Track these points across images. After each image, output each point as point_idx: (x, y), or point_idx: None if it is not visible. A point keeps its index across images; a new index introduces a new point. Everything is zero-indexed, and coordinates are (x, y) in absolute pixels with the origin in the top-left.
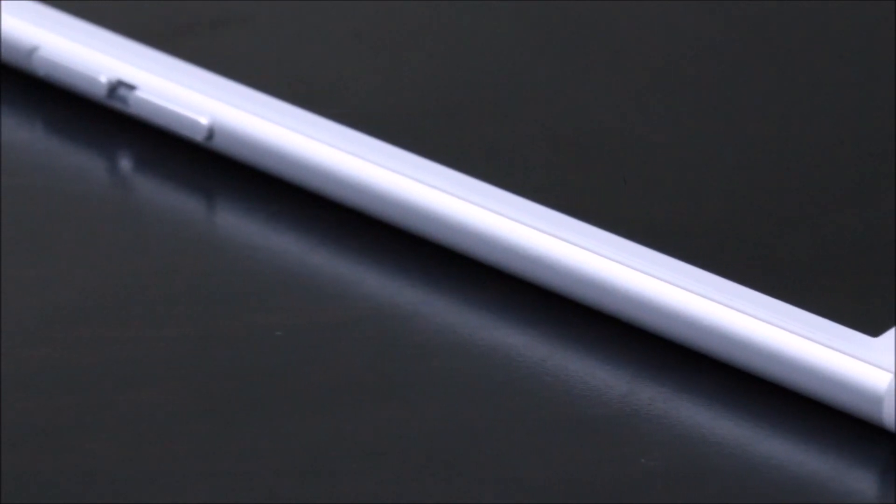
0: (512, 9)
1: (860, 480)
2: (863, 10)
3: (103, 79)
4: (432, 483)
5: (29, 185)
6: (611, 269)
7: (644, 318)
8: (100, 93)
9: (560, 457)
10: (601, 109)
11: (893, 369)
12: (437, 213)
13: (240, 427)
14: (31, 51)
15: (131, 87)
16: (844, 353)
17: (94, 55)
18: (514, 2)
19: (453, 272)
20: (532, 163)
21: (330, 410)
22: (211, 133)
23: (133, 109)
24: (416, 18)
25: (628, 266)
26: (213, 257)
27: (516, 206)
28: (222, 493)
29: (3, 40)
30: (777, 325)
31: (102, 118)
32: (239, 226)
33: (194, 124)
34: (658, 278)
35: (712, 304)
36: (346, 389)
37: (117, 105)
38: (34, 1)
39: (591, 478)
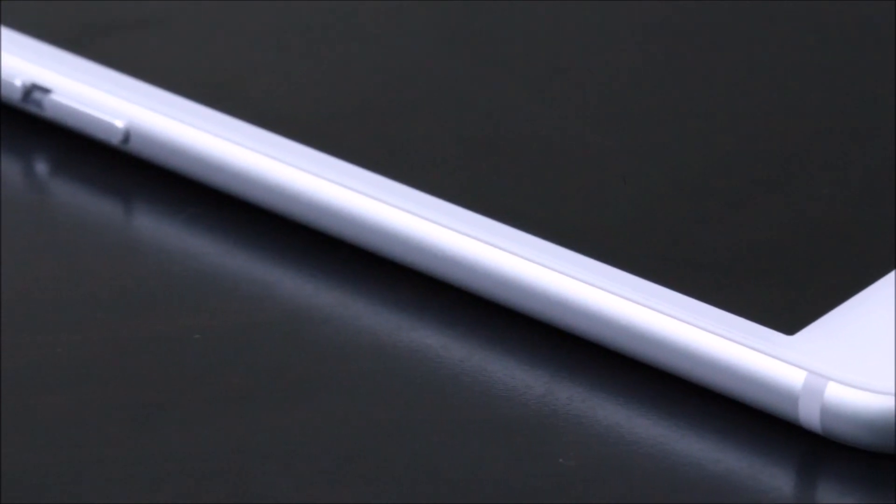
0: (423, 9)
1: (776, 478)
2: (776, 9)
3: (18, 82)
4: (350, 485)
5: None
6: (527, 270)
7: (561, 318)
8: (14, 96)
9: (479, 457)
10: (514, 110)
11: (809, 367)
12: (353, 213)
13: (158, 430)
14: None
15: (46, 91)
16: (760, 351)
17: (8, 59)
18: (426, 2)
19: (371, 274)
20: (445, 163)
21: (248, 413)
22: (127, 136)
23: (48, 113)
24: (329, 19)
25: (544, 266)
26: (131, 260)
27: (431, 206)
28: (137, 496)
29: None
30: (693, 324)
31: (18, 122)
32: (156, 229)
33: (110, 128)
34: (574, 278)
35: (628, 304)
36: (264, 391)
37: (32, 109)
38: None
39: (510, 478)
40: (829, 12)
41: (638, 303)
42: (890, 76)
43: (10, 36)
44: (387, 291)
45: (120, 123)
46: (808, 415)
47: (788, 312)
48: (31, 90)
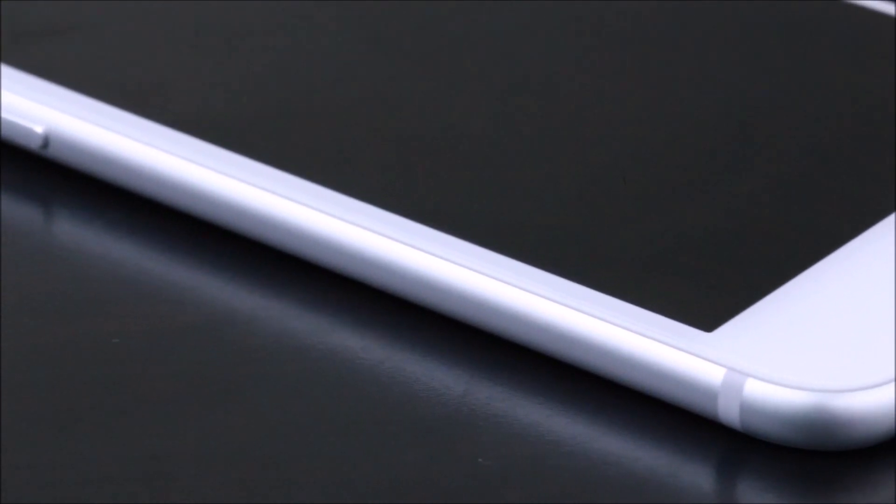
0: (346, 9)
1: (696, 475)
2: (693, 8)
3: None
4: (272, 487)
5: None
6: (446, 270)
7: (480, 317)
8: None
9: (399, 458)
10: (435, 111)
11: (728, 364)
12: (272, 216)
13: (77, 434)
14: None
15: None
16: (679, 348)
17: None
18: (349, 2)
19: (291, 276)
20: (365, 164)
21: (168, 416)
22: (46, 141)
23: None
24: (248, 21)
25: (463, 266)
26: (50, 265)
27: (351, 208)
28: (58, 501)
29: None
30: (612, 322)
31: None
32: (76, 234)
33: (29, 133)
34: (493, 278)
35: (547, 303)
36: (184, 395)
37: None
38: None
39: (430, 478)
40: (744, 11)
41: (557, 302)
42: (805, 77)
43: None
44: (307, 293)
45: (39, 129)
46: (728, 411)
47: (707, 309)
48: None
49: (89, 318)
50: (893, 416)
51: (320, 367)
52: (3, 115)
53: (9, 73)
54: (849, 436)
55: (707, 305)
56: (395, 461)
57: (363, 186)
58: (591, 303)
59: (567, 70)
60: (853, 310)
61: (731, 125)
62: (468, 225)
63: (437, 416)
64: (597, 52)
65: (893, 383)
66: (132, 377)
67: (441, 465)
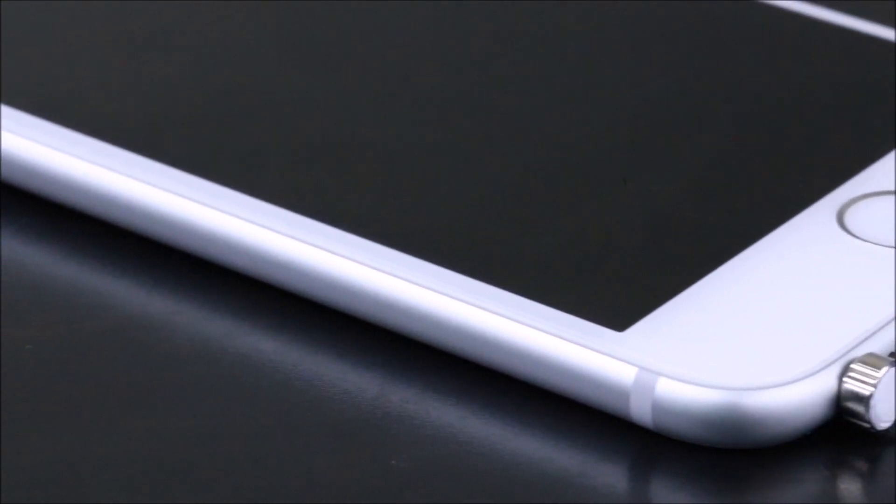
0: (255, 12)
1: (609, 475)
2: (605, 8)
3: None
4: (186, 491)
5: None
6: (357, 272)
7: (394, 320)
8: None
9: (312, 461)
10: (344, 113)
11: (639, 363)
12: (182, 220)
13: None
14: None
15: None
16: (591, 348)
17: None
18: (257, 2)
19: (203, 280)
20: (276, 168)
21: (83, 422)
22: None
23: None
24: (159, 23)
25: (374, 268)
26: None
27: (260, 210)
28: None
29: None
30: (523, 323)
31: None
32: None
33: None
34: (406, 280)
35: (460, 304)
36: (99, 400)
37: None
38: None
39: (343, 481)
40: (656, 11)
41: (469, 303)
42: (716, 76)
43: None
44: (219, 297)
45: None
46: (640, 411)
47: (619, 309)
48: None
49: (2, 325)
50: (804, 414)
51: (233, 370)
52: None
53: None
54: (760, 433)
55: (618, 305)
56: (308, 464)
57: (273, 188)
58: (503, 304)
59: (477, 71)
60: (764, 308)
61: (642, 124)
62: (380, 227)
63: (351, 419)
64: (508, 52)
65: (804, 381)
66: (45, 383)
67: (355, 467)
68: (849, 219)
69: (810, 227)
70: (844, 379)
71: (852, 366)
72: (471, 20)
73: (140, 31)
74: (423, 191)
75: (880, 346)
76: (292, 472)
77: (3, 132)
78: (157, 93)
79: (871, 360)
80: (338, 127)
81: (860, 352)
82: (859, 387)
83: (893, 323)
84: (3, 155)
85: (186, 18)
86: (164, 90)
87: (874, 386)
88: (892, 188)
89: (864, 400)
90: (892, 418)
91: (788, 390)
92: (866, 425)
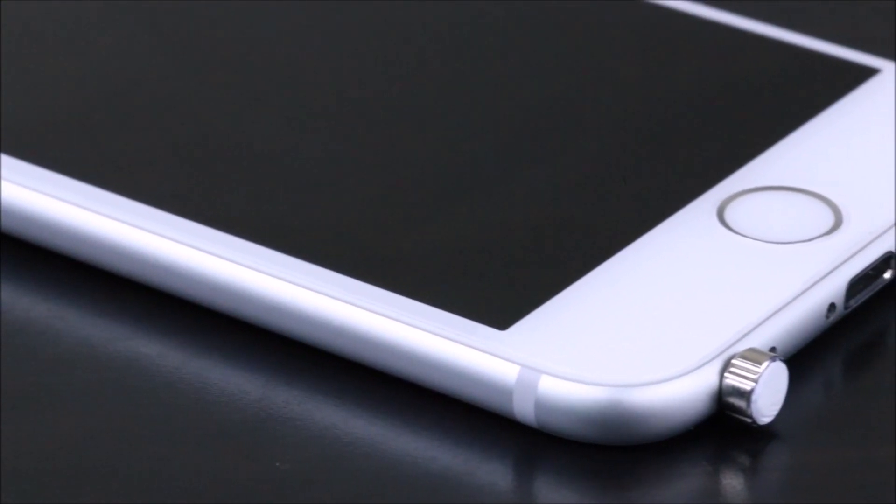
0: (126, 12)
1: (493, 474)
2: (487, 8)
3: None
4: (71, 495)
5: None
6: (239, 274)
7: (275, 321)
8: None
9: (196, 464)
10: (225, 115)
11: (522, 362)
12: (63, 223)
13: None
14: None
15: None
16: (473, 347)
17: None
18: (135, 2)
19: (85, 284)
20: (157, 170)
21: None
22: None
23: None
24: (28, 24)
25: (256, 270)
26: None
27: (141, 213)
28: None
29: None
30: (406, 323)
31: None
32: None
33: None
34: (286, 280)
35: (341, 305)
36: None
37: None
38: None
39: (228, 483)
40: (538, 9)
41: (351, 303)
42: (596, 74)
43: None
44: (102, 302)
45: None
46: (523, 409)
47: (500, 308)
48: None
49: None
50: (686, 410)
51: (117, 375)
52: None
53: None
54: (643, 430)
55: (500, 304)
56: (192, 467)
57: (153, 191)
58: (385, 303)
59: (357, 70)
60: (646, 304)
61: (520, 121)
62: (260, 228)
63: (235, 421)
64: (387, 50)
65: (686, 377)
66: None
67: (239, 469)
68: (729, 215)
69: (691, 223)
70: (726, 374)
71: (733, 361)
72: (350, 19)
73: (20, 36)
74: (302, 191)
75: (761, 341)
76: (177, 475)
77: None
78: (35, 95)
79: (752, 356)
80: (215, 128)
81: (741, 347)
82: (740, 382)
83: (774, 318)
84: None
85: (76, 19)
86: (35, 94)
87: (755, 381)
88: (772, 184)
89: (746, 395)
90: (774, 413)
91: (670, 386)
92: (748, 420)
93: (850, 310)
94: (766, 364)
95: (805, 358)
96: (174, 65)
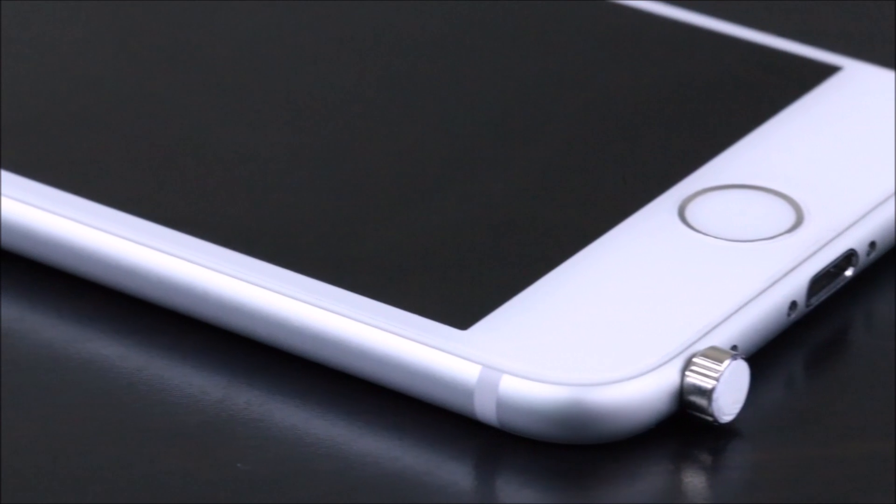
0: (83, 12)
1: (455, 473)
2: (437, 9)
3: None
4: (32, 494)
5: None
6: (199, 274)
7: (236, 322)
8: None
9: (158, 465)
10: (181, 116)
11: (483, 361)
12: (19, 225)
13: None
14: None
15: None
16: (434, 347)
17: None
18: (90, 2)
19: (46, 286)
20: (113, 170)
21: None
22: None
23: None
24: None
25: (216, 270)
26: None
27: (99, 214)
28: None
29: None
30: (367, 323)
31: None
32: None
33: None
34: (246, 281)
35: (302, 305)
36: None
37: None
38: None
39: (189, 484)
40: (493, 10)
41: (312, 304)
42: (556, 74)
43: None
44: (62, 303)
45: None
46: (484, 409)
47: (462, 307)
48: None
49: None
50: (648, 408)
51: (77, 376)
52: None
53: None
54: (604, 429)
55: (461, 303)
56: (154, 468)
57: (110, 192)
58: (347, 304)
59: (316, 72)
60: (607, 303)
61: (481, 121)
62: (220, 229)
63: (196, 423)
64: (346, 52)
65: (647, 375)
66: None
67: (200, 470)
68: (690, 213)
69: (652, 222)
70: (687, 373)
71: (694, 360)
72: (309, 22)
73: None
74: (262, 191)
75: (722, 339)
76: (138, 476)
77: None
78: None
79: (713, 354)
80: (174, 129)
81: (702, 345)
82: (702, 380)
83: (735, 316)
84: None
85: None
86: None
87: (716, 379)
88: (733, 182)
89: (707, 393)
90: (735, 411)
91: (631, 385)
92: (709, 419)
93: (811, 307)
94: (727, 362)
95: (767, 356)
96: (137, 67)
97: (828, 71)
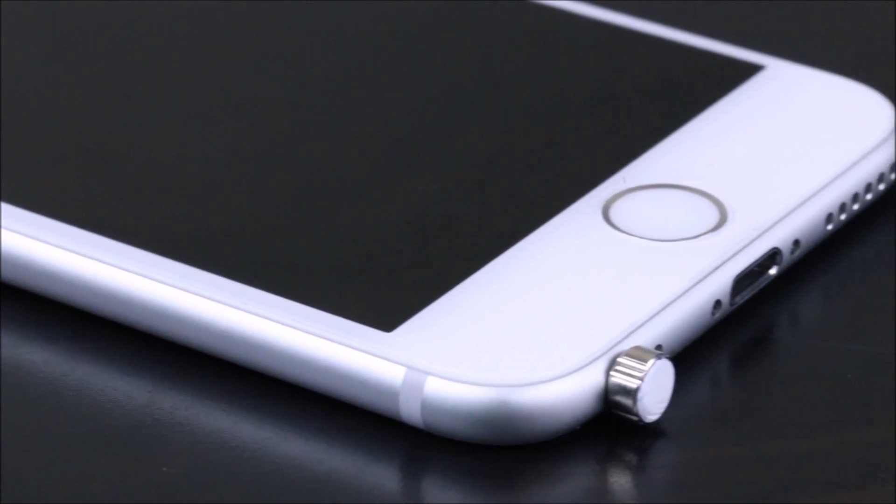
0: (16, 13)
1: (380, 476)
2: (378, 8)
3: None
4: None
5: None
6: (125, 279)
7: (161, 326)
8: None
9: (84, 470)
10: (107, 119)
11: (408, 363)
12: None
13: None
14: None
15: None
16: (359, 349)
17: None
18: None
19: None
20: (38, 174)
21: None
22: None
23: None
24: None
25: (141, 275)
26: None
27: (22, 219)
28: None
29: None
30: (291, 326)
31: None
32: None
33: None
34: (171, 285)
35: (225, 308)
36: None
37: None
38: None
39: (115, 489)
40: (419, 8)
41: (236, 307)
42: (480, 74)
43: None
44: None
45: None
46: (410, 410)
47: (386, 309)
48: None
49: None
50: (573, 409)
51: (3, 381)
52: None
53: None
54: (529, 430)
55: (385, 305)
56: (80, 473)
57: (36, 197)
58: (270, 307)
59: (241, 74)
60: (531, 304)
61: (405, 123)
62: (146, 234)
63: (122, 427)
64: (271, 52)
65: (572, 376)
66: None
67: (126, 475)
68: (614, 213)
69: (576, 222)
70: (611, 373)
71: (619, 359)
72: (231, 25)
73: None
74: (186, 195)
75: (647, 339)
76: (63, 482)
77: None
78: None
79: (638, 354)
80: (101, 134)
81: (627, 345)
82: (626, 380)
83: (659, 316)
84: None
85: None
86: None
87: (641, 379)
88: (656, 182)
89: (632, 393)
90: (660, 411)
91: (556, 386)
92: (635, 418)
93: (735, 306)
94: (651, 362)
95: (691, 355)
96: (65, 71)
97: (750, 70)
